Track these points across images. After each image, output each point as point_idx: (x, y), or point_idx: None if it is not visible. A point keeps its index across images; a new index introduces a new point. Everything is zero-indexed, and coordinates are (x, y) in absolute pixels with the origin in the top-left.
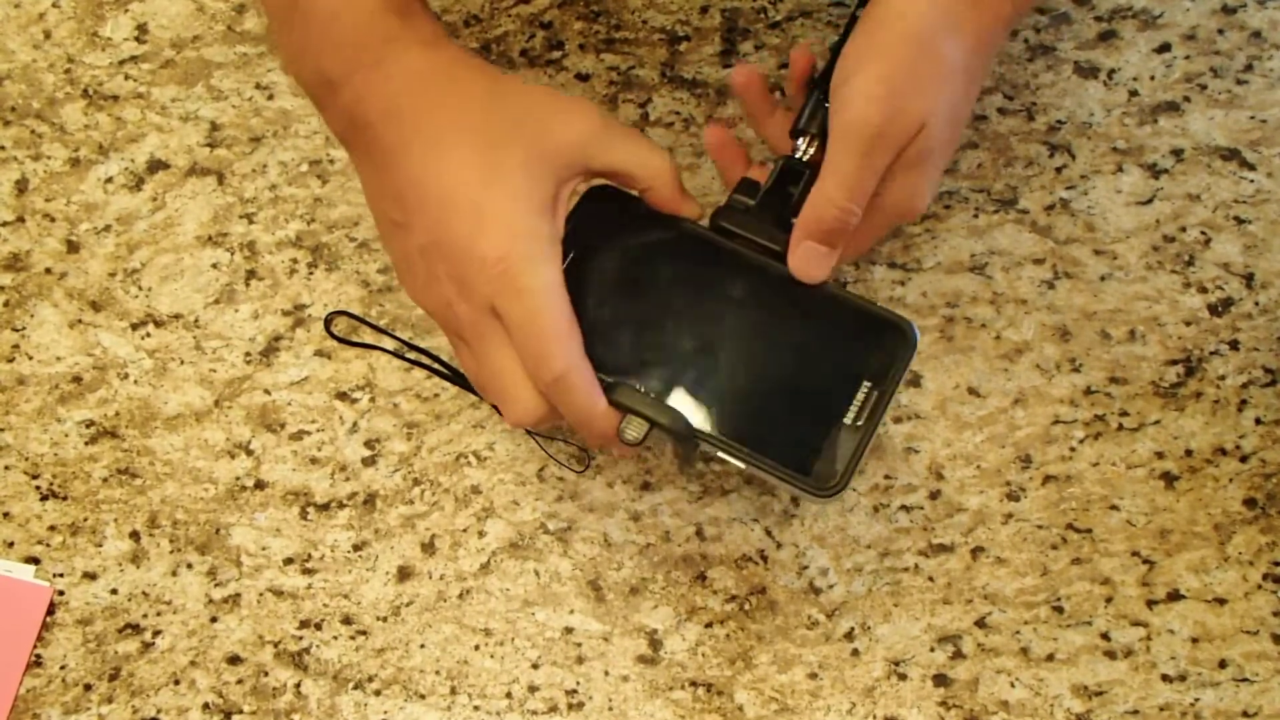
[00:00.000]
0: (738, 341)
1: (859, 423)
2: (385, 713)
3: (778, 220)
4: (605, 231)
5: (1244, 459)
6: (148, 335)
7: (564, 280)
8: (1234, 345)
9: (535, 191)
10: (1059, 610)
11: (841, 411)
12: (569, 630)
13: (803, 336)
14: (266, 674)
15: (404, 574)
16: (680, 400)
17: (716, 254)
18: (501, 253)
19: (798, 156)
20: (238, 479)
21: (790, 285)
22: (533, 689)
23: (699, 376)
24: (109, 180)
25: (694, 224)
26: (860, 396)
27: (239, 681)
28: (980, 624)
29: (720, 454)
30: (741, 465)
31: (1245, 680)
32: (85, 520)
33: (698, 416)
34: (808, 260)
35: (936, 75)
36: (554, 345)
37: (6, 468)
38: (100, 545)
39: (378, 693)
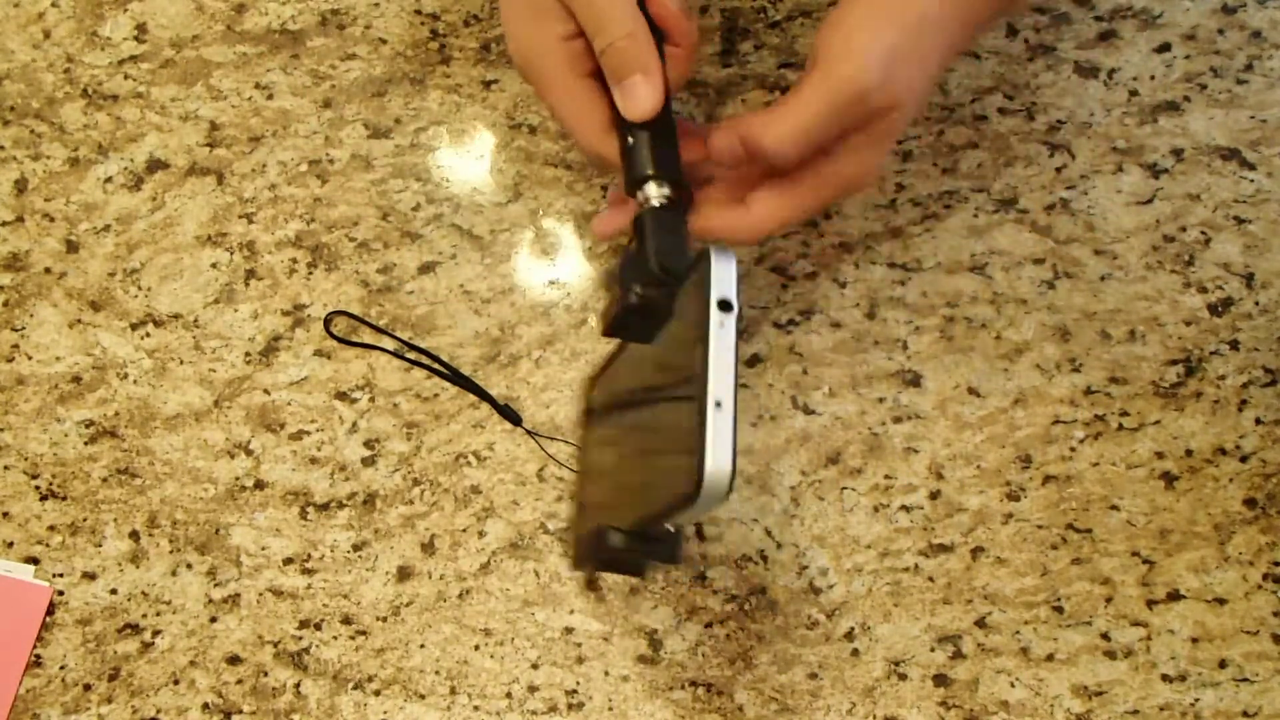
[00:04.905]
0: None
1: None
2: (385, 713)
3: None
4: (595, 420)
5: (1244, 459)
6: (147, 335)
7: None
8: (1234, 345)
9: None
10: (1059, 610)
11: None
12: (569, 630)
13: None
14: (266, 674)
15: (404, 574)
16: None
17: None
18: None
19: (655, 205)
20: (237, 479)
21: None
22: (533, 689)
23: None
24: (108, 180)
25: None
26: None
27: (239, 681)
28: (980, 624)
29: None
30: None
31: (1245, 680)
32: (85, 520)
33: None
34: (725, 151)
35: (928, 59)
36: (574, 134)
37: (6, 468)
38: (100, 545)
39: (377, 693)
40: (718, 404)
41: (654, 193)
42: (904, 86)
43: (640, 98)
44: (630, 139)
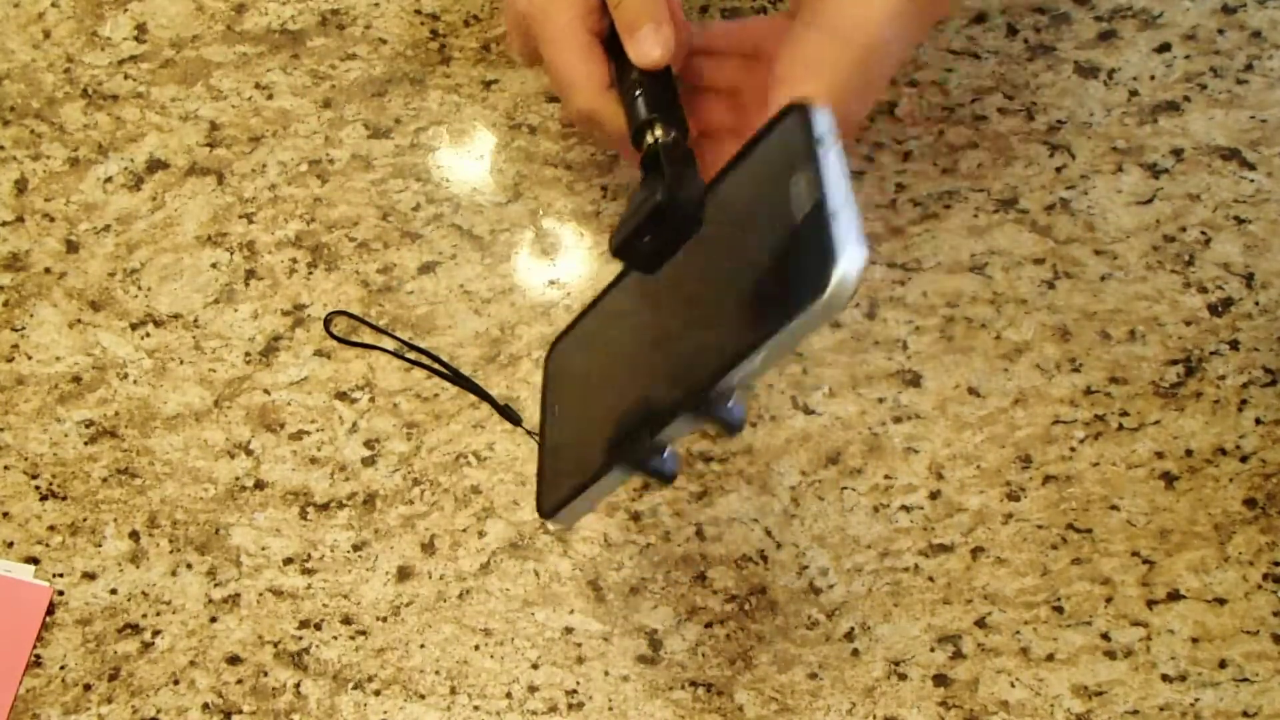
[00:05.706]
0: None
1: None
2: (385, 713)
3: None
4: (571, 369)
5: (1244, 459)
6: (147, 335)
7: (580, 28)
8: (1234, 345)
9: None
10: (1059, 610)
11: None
12: (569, 630)
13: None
14: (266, 674)
15: (404, 574)
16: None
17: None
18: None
19: (665, 142)
20: (237, 479)
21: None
22: (533, 689)
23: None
24: (108, 180)
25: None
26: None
27: (239, 681)
28: (980, 624)
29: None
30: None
31: (1245, 680)
32: (85, 520)
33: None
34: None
35: (876, 86)
36: (572, 88)
37: (6, 468)
38: (100, 545)
39: (377, 693)
40: (837, 213)
41: (661, 133)
42: (854, 113)
43: (651, 45)
44: (636, 90)
